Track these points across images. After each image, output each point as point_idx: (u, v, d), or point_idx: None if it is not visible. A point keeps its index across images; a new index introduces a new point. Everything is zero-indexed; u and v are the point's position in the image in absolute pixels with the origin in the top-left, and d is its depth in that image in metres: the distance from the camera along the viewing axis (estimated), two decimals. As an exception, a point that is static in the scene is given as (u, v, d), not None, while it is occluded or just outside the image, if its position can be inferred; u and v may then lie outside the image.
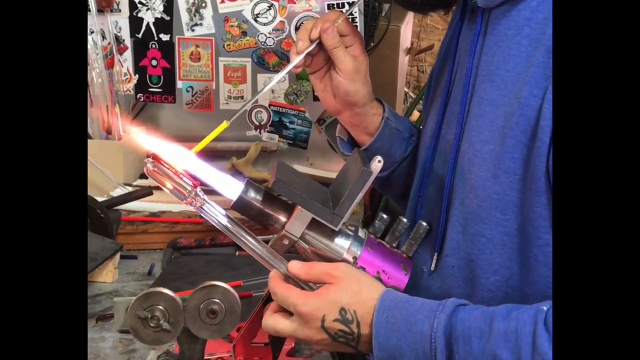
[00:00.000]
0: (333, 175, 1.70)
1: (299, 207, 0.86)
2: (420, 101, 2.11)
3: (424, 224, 0.89)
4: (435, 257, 0.91)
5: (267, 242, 0.87)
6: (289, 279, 0.84)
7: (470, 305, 0.80)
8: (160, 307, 0.72)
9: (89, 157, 1.61)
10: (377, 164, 0.86)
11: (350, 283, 0.82)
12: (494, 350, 0.73)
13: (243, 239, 0.84)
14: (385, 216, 0.89)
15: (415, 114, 2.10)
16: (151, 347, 0.81)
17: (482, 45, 0.88)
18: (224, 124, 0.92)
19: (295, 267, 0.84)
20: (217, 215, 0.83)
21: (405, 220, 0.89)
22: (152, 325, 0.72)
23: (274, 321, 0.83)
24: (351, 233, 0.88)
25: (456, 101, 0.91)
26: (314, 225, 0.86)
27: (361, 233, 0.89)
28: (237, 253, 1.38)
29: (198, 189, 0.82)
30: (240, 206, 0.87)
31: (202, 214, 0.83)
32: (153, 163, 0.81)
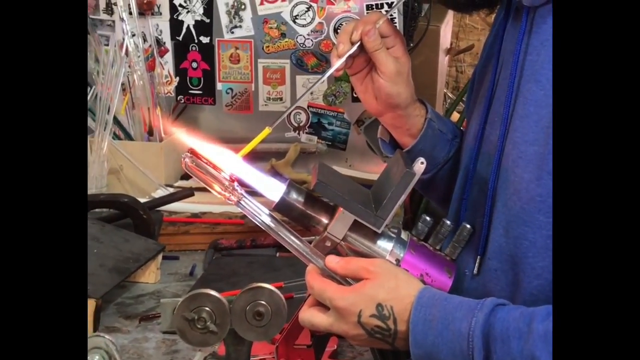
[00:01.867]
0: (372, 176, 1.70)
1: (341, 209, 0.85)
2: (460, 102, 2.09)
3: (468, 226, 0.88)
4: (478, 260, 0.90)
5: (309, 243, 0.87)
6: (326, 273, 0.84)
7: (509, 305, 0.79)
8: (207, 308, 0.72)
9: (131, 159, 1.63)
10: (419, 166, 0.85)
11: (387, 279, 0.82)
12: (533, 351, 0.72)
13: (281, 234, 0.84)
14: (428, 218, 0.89)
15: (455, 115, 2.09)
16: (196, 349, 0.81)
17: (527, 45, 0.87)
18: (267, 130, 0.92)
19: (333, 261, 0.84)
20: (255, 209, 0.84)
21: (448, 222, 0.88)
22: (199, 326, 0.73)
23: (310, 315, 0.84)
24: (394, 235, 0.87)
25: (500, 102, 0.90)
26: (356, 227, 0.86)
27: (404, 235, 0.88)
28: (277, 254, 1.39)
29: (235, 183, 0.83)
30: (282, 207, 0.87)
31: (240, 208, 0.83)
32: (191, 158, 0.82)
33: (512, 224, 0.85)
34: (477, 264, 0.90)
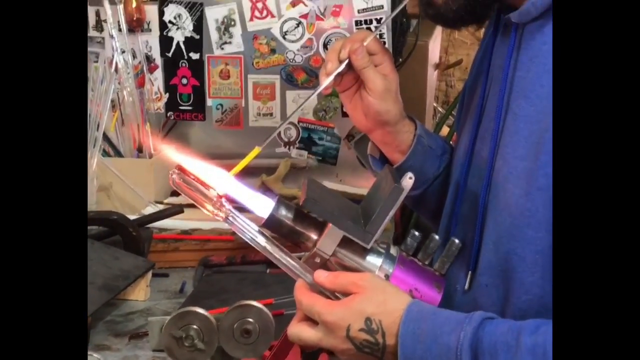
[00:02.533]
0: (363, 191, 1.70)
1: (330, 225, 0.85)
2: (450, 116, 2.10)
3: (457, 241, 0.88)
4: (469, 276, 0.90)
5: (298, 259, 0.87)
6: (315, 288, 0.84)
7: (497, 318, 0.79)
8: (195, 326, 0.72)
9: (120, 175, 1.63)
10: (408, 181, 0.85)
11: (376, 293, 0.82)
12: None
13: (270, 250, 0.84)
14: (417, 233, 0.88)
15: (445, 129, 2.09)
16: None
17: (516, 61, 0.87)
18: (256, 150, 0.92)
19: (321, 276, 0.84)
20: (243, 225, 0.83)
21: (437, 237, 0.88)
22: (186, 344, 0.72)
23: (299, 330, 0.83)
24: (383, 251, 0.87)
25: (490, 117, 0.91)
26: (345, 243, 0.85)
27: (393, 251, 0.88)
28: (268, 271, 1.38)
29: (223, 199, 0.82)
30: (271, 224, 0.87)
31: (228, 224, 0.83)
32: (179, 174, 0.82)
33: (502, 239, 0.86)
34: (468, 280, 0.91)
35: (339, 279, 0.83)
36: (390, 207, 0.84)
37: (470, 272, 0.90)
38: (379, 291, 0.82)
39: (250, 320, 0.74)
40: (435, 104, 2.44)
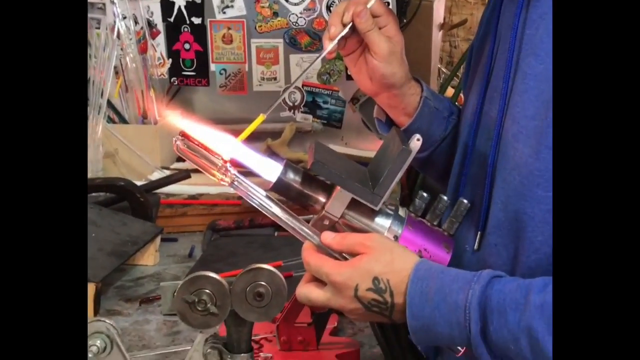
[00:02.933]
0: (368, 154, 1.70)
1: (339, 188, 0.86)
2: (455, 77, 2.08)
3: (465, 201, 0.88)
4: (478, 236, 0.90)
5: (307, 222, 0.87)
6: (322, 250, 0.84)
7: (506, 277, 0.80)
8: (207, 290, 0.72)
9: (126, 142, 1.63)
10: (415, 142, 0.85)
11: (383, 253, 0.82)
12: (530, 322, 0.73)
13: (277, 212, 0.84)
14: (425, 194, 0.89)
15: (450, 91, 2.08)
16: (197, 330, 0.82)
17: (525, 19, 0.86)
18: (261, 117, 0.92)
19: (329, 237, 0.84)
20: (249, 189, 0.83)
21: (445, 198, 0.88)
22: (199, 309, 0.73)
23: (307, 291, 0.84)
24: (391, 212, 0.87)
25: (498, 77, 0.90)
26: (353, 205, 0.86)
27: (401, 212, 0.88)
28: (276, 234, 1.39)
29: (228, 164, 0.82)
30: (279, 187, 0.87)
31: (234, 189, 0.83)
32: (183, 141, 0.82)
33: (511, 199, 0.86)
34: (477, 240, 0.91)
35: (346, 240, 0.84)
36: (399, 169, 0.84)
37: (479, 232, 0.90)
38: (386, 251, 0.82)
39: (263, 283, 0.74)
40: (439, 65, 2.42)
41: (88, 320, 0.73)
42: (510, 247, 0.87)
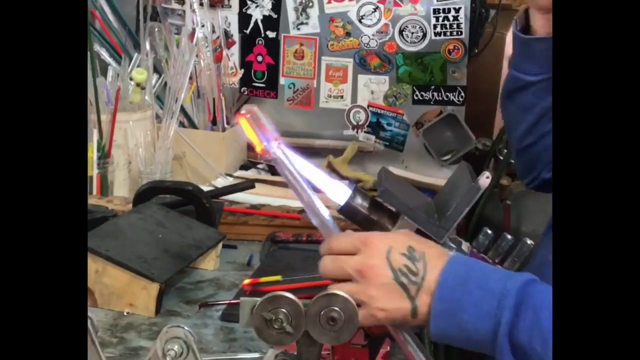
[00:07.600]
0: (427, 179, 1.71)
1: (405, 217, 0.88)
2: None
3: (529, 241, 0.90)
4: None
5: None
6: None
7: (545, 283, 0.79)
8: (284, 310, 0.76)
9: (195, 146, 1.68)
10: (484, 180, 0.87)
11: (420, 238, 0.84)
12: None
13: (312, 204, 0.83)
14: (489, 232, 0.91)
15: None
16: (269, 346, 0.85)
17: None
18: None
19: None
20: (289, 172, 0.83)
21: (509, 237, 0.90)
22: (275, 327, 0.76)
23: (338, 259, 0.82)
24: (455, 246, 0.90)
25: None
26: (418, 235, 0.88)
27: (464, 247, 0.91)
28: (332, 251, 1.42)
29: (280, 143, 0.83)
30: (346, 211, 0.90)
31: (274, 165, 0.84)
32: (251, 115, 0.84)
33: None
34: None
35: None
36: (466, 205, 0.87)
37: None
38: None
39: (336, 309, 0.77)
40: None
41: (167, 325, 0.77)
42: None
